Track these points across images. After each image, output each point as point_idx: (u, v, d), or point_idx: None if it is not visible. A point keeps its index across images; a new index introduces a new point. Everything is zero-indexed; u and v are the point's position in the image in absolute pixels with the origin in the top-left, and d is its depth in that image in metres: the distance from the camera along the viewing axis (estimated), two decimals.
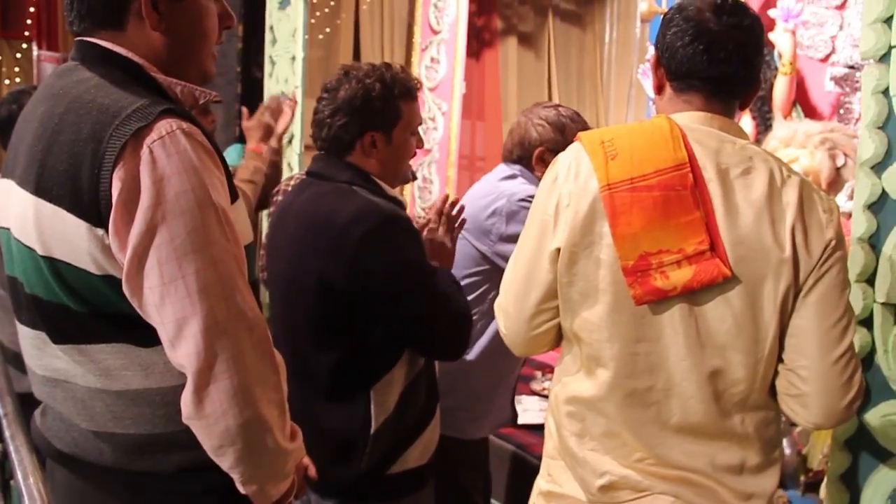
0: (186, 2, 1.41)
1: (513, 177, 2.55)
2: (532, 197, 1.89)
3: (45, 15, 6.27)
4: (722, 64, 1.59)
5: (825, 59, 4.77)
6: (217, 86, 6.12)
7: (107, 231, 1.24)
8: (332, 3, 5.99)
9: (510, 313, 1.76)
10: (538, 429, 3.39)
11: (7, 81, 6.03)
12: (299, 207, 2.08)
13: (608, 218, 1.56)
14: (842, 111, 4.70)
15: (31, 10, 6.05)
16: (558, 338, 1.76)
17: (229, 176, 1.40)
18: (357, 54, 6.10)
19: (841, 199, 3.86)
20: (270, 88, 5.47)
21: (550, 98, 6.92)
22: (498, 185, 2.52)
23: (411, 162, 2.25)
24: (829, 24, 4.74)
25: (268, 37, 5.45)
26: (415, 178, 2.54)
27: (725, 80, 1.61)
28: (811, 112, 4.72)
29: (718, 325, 1.55)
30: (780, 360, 1.59)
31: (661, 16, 1.76)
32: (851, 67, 4.64)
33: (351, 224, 1.94)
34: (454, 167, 5.42)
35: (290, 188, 3.31)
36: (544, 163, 2.52)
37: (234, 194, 1.41)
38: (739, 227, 1.53)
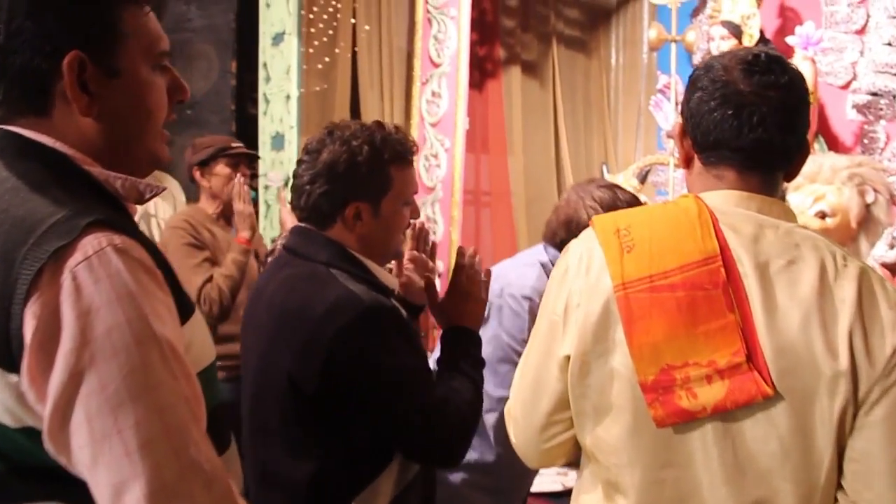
0: (122, 79, 1.16)
1: (533, 266, 2.34)
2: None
3: None
4: (755, 131, 1.38)
5: (846, 86, 4.55)
6: (211, 124, 5.93)
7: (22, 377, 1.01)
8: (328, 34, 5.77)
9: (519, 422, 1.53)
10: (555, 496, 3.16)
11: None
12: (272, 293, 1.83)
13: (623, 324, 1.34)
14: (866, 140, 4.47)
15: None
16: (577, 448, 1.51)
17: (178, 289, 1.16)
18: (355, 89, 5.88)
19: (881, 249, 3.61)
20: (265, 127, 5.28)
21: (557, 129, 6.69)
22: (517, 269, 2.35)
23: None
24: (849, 49, 4.52)
25: (261, 74, 5.27)
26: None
27: (761, 151, 1.40)
28: (833, 142, 4.49)
29: (761, 447, 1.29)
30: (839, 487, 1.31)
31: (689, 75, 1.53)
32: (874, 94, 4.41)
33: (324, 319, 1.69)
34: (458, 206, 5.19)
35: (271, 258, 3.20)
36: None
37: (187, 309, 1.17)
38: (783, 333, 1.29)
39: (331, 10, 5.80)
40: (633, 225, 1.40)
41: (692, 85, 1.45)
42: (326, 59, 5.82)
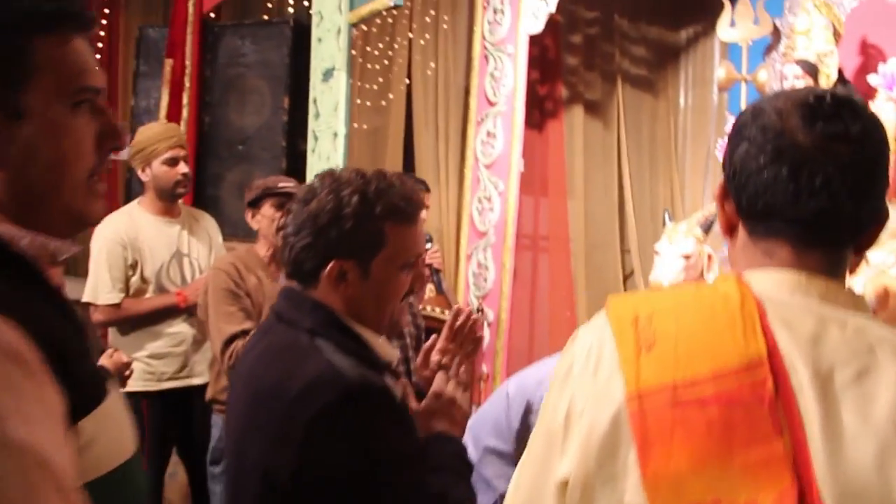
0: (26, 124, 0.98)
1: None
2: None
3: (114, 84, 6.12)
4: (818, 197, 1.10)
5: None
6: (262, 160, 5.80)
7: None
8: (383, 75, 5.59)
9: None
10: None
11: None
12: (250, 367, 1.60)
13: (637, 446, 1.06)
14: None
15: None
16: None
17: (80, 376, 0.93)
18: (409, 127, 5.68)
19: None
20: (313, 165, 5.10)
21: (620, 172, 6.39)
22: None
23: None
24: None
25: (311, 110, 5.10)
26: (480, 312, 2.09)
27: (825, 222, 1.13)
28: None
29: None
30: None
31: (739, 112, 1.24)
32: None
33: (301, 399, 1.46)
34: (510, 252, 4.93)
35: None
36: None
37: (91, 399, 0.96)
38: (850, 470, 0.99)
39: (385, 45, 5.63)
40: (657, 313, 1.12)
41: (737, 134, 1.18)
42: (380, 96, 5.64)
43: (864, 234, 1.17)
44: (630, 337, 1.10)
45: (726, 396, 1.03)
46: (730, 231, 1.22)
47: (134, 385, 3.49)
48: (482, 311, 4.99)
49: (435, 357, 1.89)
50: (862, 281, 3.78)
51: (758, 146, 1.13)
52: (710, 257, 4.54)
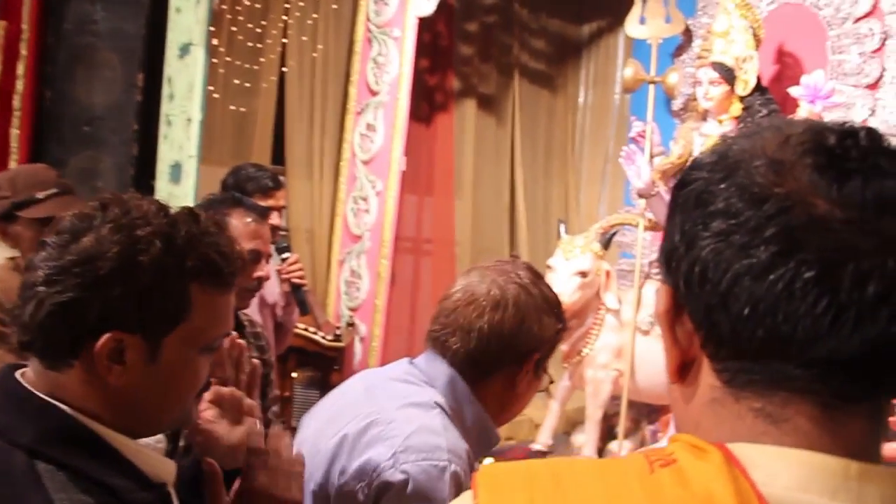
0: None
1: (430, 408, 1.48)
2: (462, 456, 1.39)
3: None
4: (873, 321, 0.60)
5: None
6: (110, 144, 5.11)
7: None
8: (254, 53, 4.96)
9: None
10: None
11: None
12: None
13: None
14: None
15: None
16: None
17: None
18: (280, 118, 5.07)
19: None
20: (164, 153, 4.45)
21: (513, 172, 5.94)
22: (394, 412, 1.46)
23: None
24: (857, 106, 3.82)
25: (165, 90, 4.44)
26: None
27: (878, 359, 0.62)
28: None
29: None
30: None
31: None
32: None
33: None
34: (387, 259, 4.40)
35: None
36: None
37: None
38: None
39: (258, 17, 5.00)
40: None
41: (696, 202, 0.68)
42: (249, 77, 5.00)
43: None
44: None
45: None
46: (681, 373, 0.71)
47: None
48: (353, 325, 4.45)
49: (207, 411, 1.34)
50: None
51: (745, 227, 0.64)
52: (608, 274, 4.14)
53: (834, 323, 0.61)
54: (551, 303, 1.55)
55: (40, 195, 2.57)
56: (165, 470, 1.16)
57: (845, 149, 0.64)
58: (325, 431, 1.49)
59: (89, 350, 1.07)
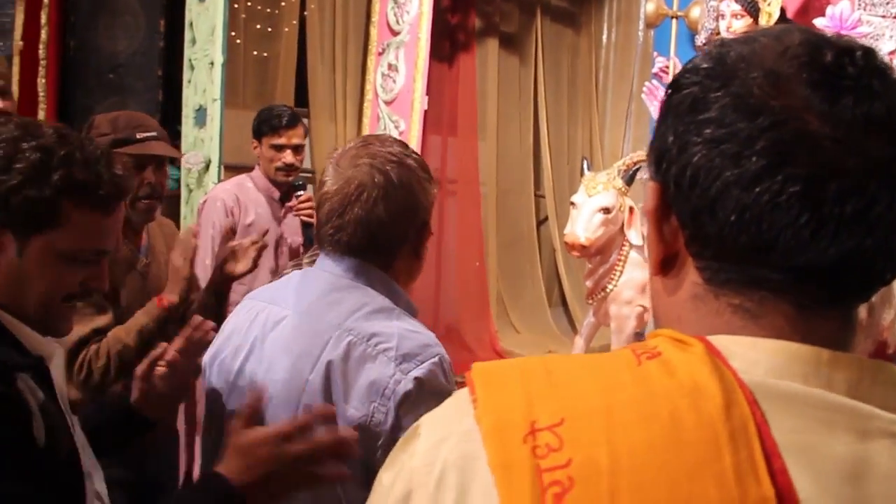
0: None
1: (389, 311, 1.52)
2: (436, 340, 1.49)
3: None
4: (850, 233, 0.64)
5: None
6: (135, 91, 5.16)
7: None
8: None
9: None
10: None
11: None
12: None
13: None
14: None
15: None
16: None
17: None
18: (302, 62, 5.07)
19: None
20: (188, 97, 4.47)
21: (536, 111, 5.92)
22: (366, 326, 1.49)
23: None
24: (885, 37, 3.76)
25: (187, 35, 4.44)
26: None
27: (851, 269, 0.66)
28: None
29: None
30: None
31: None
32: None
33: None
34: None
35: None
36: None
37: None
38: None
39: None
40: (571, 422, 0.63)
41: (689, 107, 0.69)
42: (271, 21, 5.00)
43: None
44: (522, 472, 0.61)
45: None
46: (664, 266, 0.74)
47: None
48: None
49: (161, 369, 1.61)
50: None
51: (738, 137, 0.65)
52: (631, 210, 4.13)
53: (814, 235, 0.64)
54: (424, 166, 1.58)
55: (139, 135, 2.59)
56: (46, 348, 1.37)
57: (841, 66, 0.65)
58: (297, 365, 1.49)
59: None
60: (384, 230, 1.50)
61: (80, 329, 2.27)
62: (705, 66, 0.70)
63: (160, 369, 1.63)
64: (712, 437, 0.60)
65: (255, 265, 2.46)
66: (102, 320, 2.37)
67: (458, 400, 0.69)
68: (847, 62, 0.66)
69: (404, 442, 0.71)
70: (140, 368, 1.64)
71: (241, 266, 2.44)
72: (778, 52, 0.67)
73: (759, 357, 0.66)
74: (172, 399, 1.69)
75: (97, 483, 1.45)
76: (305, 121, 5.13)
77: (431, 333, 1.51)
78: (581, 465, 0.60)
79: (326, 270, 1.55)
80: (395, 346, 1.43)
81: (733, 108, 0.66)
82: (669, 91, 0.72)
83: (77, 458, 1.37)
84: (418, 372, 1.41)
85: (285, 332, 1.53)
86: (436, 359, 1.44)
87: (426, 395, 1.40)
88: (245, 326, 1.60)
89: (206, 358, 1.66)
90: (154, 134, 2.61)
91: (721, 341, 0.66)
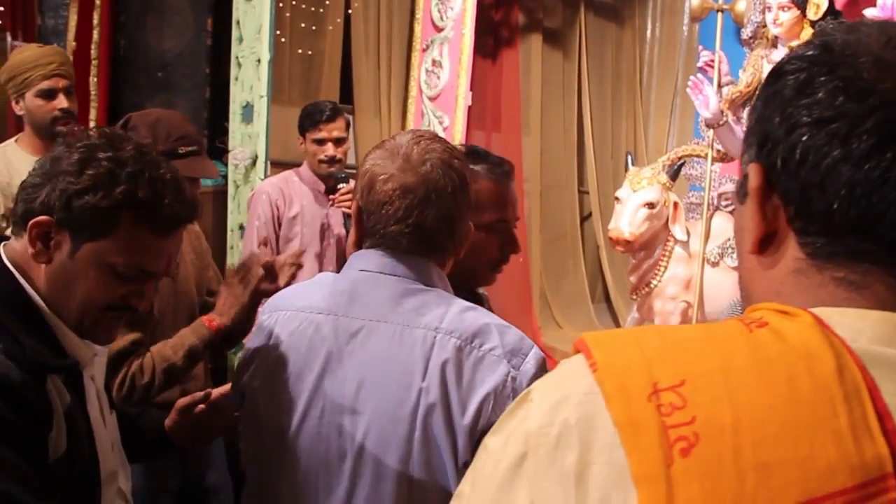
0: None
1: (473, 307, 1.50)
2: None
3: (20, 2, 5.50)
4: None
5: None
6: (183, 89, 5.23)
7: None
8: None
9: None
10: None
11: None
12: None
13: None
14: None
15: None
16: None
17: None
18: (347, 59, 5.11)
19: None
20: (236, 94, 4.53)
21: (580, 106, 5.90)
22: (467, 327, 1.45)
23: None
24: None
25: (234, 33, 4.51)
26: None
27: None
28: None
29: None
30: None
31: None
32: None
33: None
34: None
35: None
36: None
37: None
38: None
39: None
40: (693, 383, 0.67)
41: (794, 90, 0.74)
42: (316, 19, 5.05)
43: None
44: (649, 429, 0.65)
45: None
46: (763, 244, 0.78)
47: None
48: None
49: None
50: None
51: (847, 118, 0.70)
52: (676, 206, 4.11)
53: None
54: (460, 155, 1.54)
55: (182, 150, 2.39)
56: (82, 353, 1.41)
57: None
58: (404, 375, 1.42)
59: (29, 226, 1.35)
60: (445, 230, 1.48)
61: (118, 341, 2.21)
62: (810, 53, 0.74)
63: (201, 407, 1.66)
64: (828, 398, 0.64)
65: (288, 284, 2.34)
66: (139, 332, 2.32)
67: (574, 364, 0.73)
68: None
69: (514, 407, 0.74)
70: (181, 402, 1.68)
71: (274, 284, 2.25)
72: (883, 42, 0.72)
73: (863, 326, 0.69)
74: (206, 436, 1.72)
75: (122, 482, 1.51)
76: (350, 116, 5.19)
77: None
78: (705, 422, 0.64)
79: (386, 272, 1.49)
80: (500, 344, 1.42)
81: (843, 91, 0.70)
82: (771, 78, 0.77)
83: (96, 465, 1.41)
84: (530, 366, 1.41)
85: (373, 341, 1.45)
86: (535, 348, 1.45)
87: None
88: (304, 343, 1.50)
89: (254, 382, 1.57)
90: (195, 148, 2.46)
91: (825, 312, 0.70)
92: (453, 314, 1.45)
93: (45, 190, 1.35)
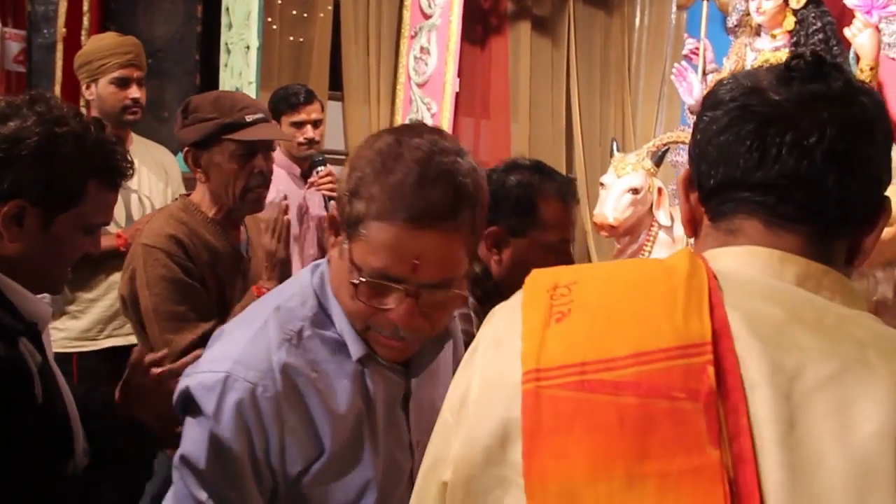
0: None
1: None
2: None
3: None
4: (788, 157, 0.89)
5: None
6: (173, 76, 5.26)
7: None
8: None
9: None
10: None
11: None
12: None
13: (524, 436, 0.84)
14: None
15: None
16: None
17: None
18: (336, 45, 5.15)
19: None
20: (225, 81, 4.57)
21: (569, 94, 5.94)
22: None
23: None
24: None
25: (223, 20, 4.55)
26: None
27: (801, 190, 0.90)
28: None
29: None
30: None
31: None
32: None
33: None
34: None
35: None
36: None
37: None
38: (812, 490, 0.75)
39: None
40: (581, 282, 0.92)
41: (705, 105, 0.99)
42: (305, 6, 5.08)
43: (858, 220, 0.93)
44: (541, 306, 0.90)
45: (649, 383, 0.80)
46: (693, 227, 1.00)
47: (64, 345, 2.99)
48: None
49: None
50: None
51: (723, 109, 0.95)
52: (660, 191, 4.16)
53: (762, 159, 0.89)
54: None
55: (248, 118, 2.31)
56: (38, 313, 1.50)
57: (794, 66, 0.94)
58: None
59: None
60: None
61: (188, 336, 2.22)
62: (720, 82, 1.01)
63: (161, 370, 1.69)
64: (673, 290, 0.85)
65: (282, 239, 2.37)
66: (208, 326, 2.23)
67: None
68: (798, 63, 0.93)
69: (487, 319, 1.02)
70: (134, 358, 1.70)
71: (266, 240, 2.35)
72: (762, 68, 0.99)
73: (728, 257, 0.91)
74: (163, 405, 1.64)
75: (82, 440, 1.57)
76: (339, 104, 5.22)
77: None
78: (578, 303, 0.88)
79: None
80: None
81: (726, 94, 0.96)
82: (704, 99, 1.03)
83: (68, 417, 1.50)
84: None
85: None
86: None
87: None
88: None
89: None
90: (262, 115, 2.37)
91: (709, 252, 0.94)
92: None
93: (9, 176, 1.42)
